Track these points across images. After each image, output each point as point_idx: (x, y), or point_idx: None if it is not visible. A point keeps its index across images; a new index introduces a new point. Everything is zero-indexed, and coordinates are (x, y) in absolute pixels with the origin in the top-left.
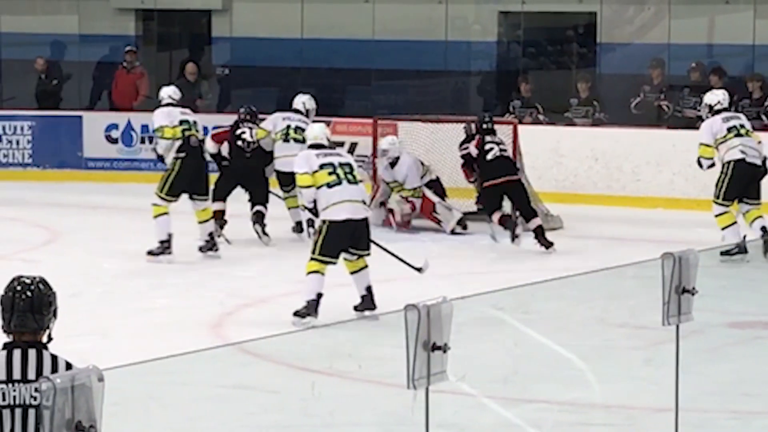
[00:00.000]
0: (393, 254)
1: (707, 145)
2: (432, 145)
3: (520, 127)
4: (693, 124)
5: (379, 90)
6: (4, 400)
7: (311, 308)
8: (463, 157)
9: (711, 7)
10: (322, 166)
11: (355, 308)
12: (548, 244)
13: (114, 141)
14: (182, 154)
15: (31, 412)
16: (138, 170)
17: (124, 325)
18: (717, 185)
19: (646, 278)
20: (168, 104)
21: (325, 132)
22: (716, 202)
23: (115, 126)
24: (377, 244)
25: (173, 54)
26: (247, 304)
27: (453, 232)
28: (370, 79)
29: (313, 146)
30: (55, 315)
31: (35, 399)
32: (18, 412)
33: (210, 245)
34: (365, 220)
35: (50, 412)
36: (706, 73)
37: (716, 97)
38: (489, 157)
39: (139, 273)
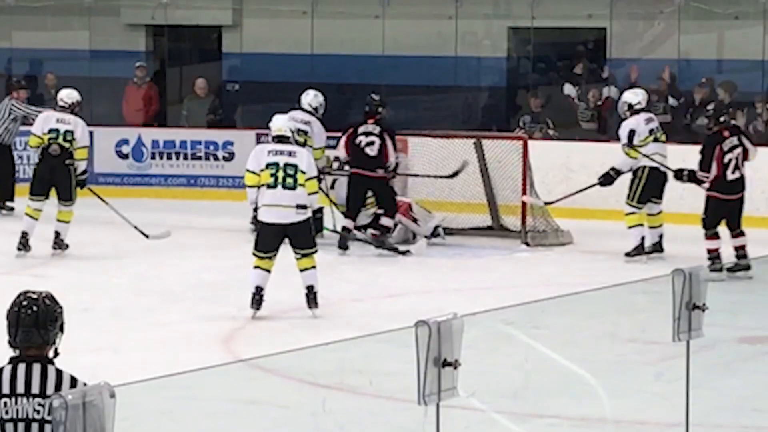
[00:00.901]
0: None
1: (636, 147)
2: (442, 161)
3: (530, 143)
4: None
5: (390, 105)
6: (7, 414)
7: (252, 301)
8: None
9: (720, 23)
10: (267, 166)
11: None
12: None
13: (124, 156)
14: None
15: (35, 426)
16: (148, 185)
17: (135, 341)
18: (631, 188)
19: (656, 293)
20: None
21: (288, 125)
22: (629, 204)
23: (125, 141)
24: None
25: (183, 69)
26: (258, 319)
27: (433, 236)
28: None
29: (275, 138)
30: (61, 330)
31: (38, 413)
32: (21, 426)
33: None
34: (301, 222)
35: (62, 429)
36: (714, 88)
37: (636, 96)
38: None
39: (150, 288)
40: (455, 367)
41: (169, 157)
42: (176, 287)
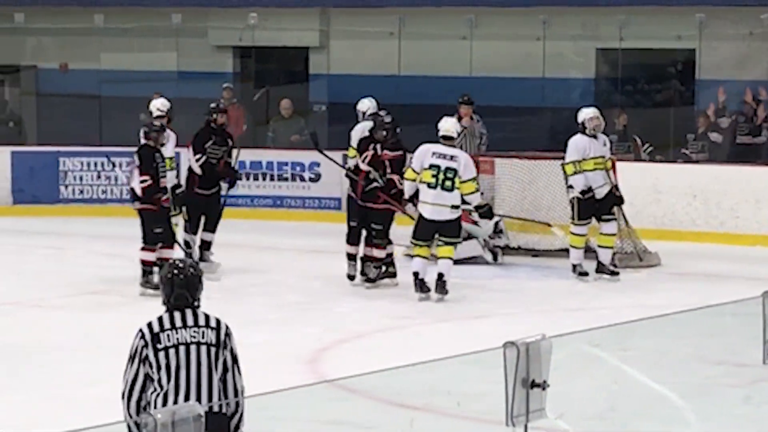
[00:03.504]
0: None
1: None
2: (529, 182)
3: (618, 164)
4: None
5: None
6: (169, 341)
7: (415, 286)
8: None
9: None
10: (430, 167)
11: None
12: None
13: None
14: None
15: (192, 348)
16: (235, 206)
17: None
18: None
19: (745, 316)
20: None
21: (456, 127)
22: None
23: None
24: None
25: (270, 91)
26: (344, 339)
27: (495, 233)
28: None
29: (441, 137)
30: (202, 288)
31: (194, 338)
32: (182, 348)
33: None
34: (453, 220)
35: None
36: None
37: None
38: None
39: (235, 309)
40: (543, 388)
41: (256, 178)
42: (261, 308)
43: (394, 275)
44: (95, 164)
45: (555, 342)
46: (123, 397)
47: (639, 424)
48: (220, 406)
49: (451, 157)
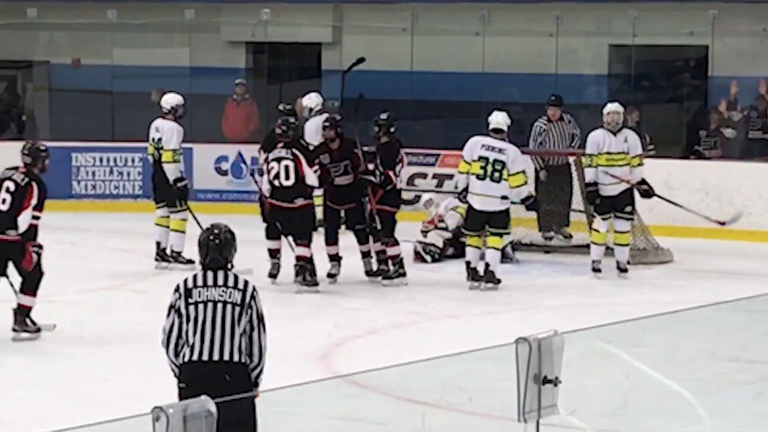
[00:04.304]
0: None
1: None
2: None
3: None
4: None
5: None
6: (200, 297)
7: (468, 274)
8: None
9: None
10: (479, 158)
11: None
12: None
13: (224, 173)
14: None
15: (219, 305)
16: (248, 202)
17: None
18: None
19: (757, 312)
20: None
21: (506, 120)
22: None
23: (225, 158)
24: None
25: (283, 86)
26: (356, 335)
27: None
28: (479, 112)
29: (492, 130)
30: (235, 251)
31: (221, 296)
32: (209, 305)
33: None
34: (502, 211)
35: None
36: None
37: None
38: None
39: None
40: (555, 384)
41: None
42: (273, 304)
43: (404, 274)
44: (108, 160)
45: (567, 338)
46: (162, 344)
47: (651, 420)
48: (241, 356)
49: (500, 150)
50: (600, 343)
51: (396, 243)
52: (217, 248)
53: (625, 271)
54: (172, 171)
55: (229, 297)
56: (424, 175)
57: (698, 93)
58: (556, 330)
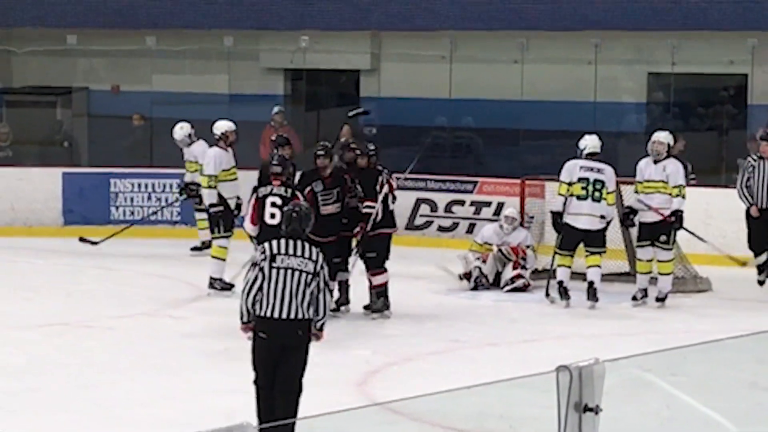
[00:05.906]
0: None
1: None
2: None
3: None
4: None
5: (527, 150)
6: (282, 263)
7: (559, 293)
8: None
9: None
10: (579, 180)
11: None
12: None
13: None
14: None
15: (296, 273)
16: None
17: None
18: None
19: None
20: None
21: (599, 144)
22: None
23: None
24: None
25: (321, 113)
26: (393, 362)
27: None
28: (518, 140)
29: (587, 155)
30: (311, 226)
31: (299, 266)
32: (289, 272)
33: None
34: (600, 230)
35: None
36: None
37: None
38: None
39: None
40: (596, 413)
41: None
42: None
43: (387, 307)
44: (146, 185)
45: (607, 366)
46: (243, 291)
47: None
48: (308, 313)
49: (599, 170)
50: (639, 372)
51: (384, 271)
52: (298, 220)
53: (663, 299)
54: (207, 196)
55: (305, 267)
56: (462, 203)
57: (737, 122)
58: (598, 358)
